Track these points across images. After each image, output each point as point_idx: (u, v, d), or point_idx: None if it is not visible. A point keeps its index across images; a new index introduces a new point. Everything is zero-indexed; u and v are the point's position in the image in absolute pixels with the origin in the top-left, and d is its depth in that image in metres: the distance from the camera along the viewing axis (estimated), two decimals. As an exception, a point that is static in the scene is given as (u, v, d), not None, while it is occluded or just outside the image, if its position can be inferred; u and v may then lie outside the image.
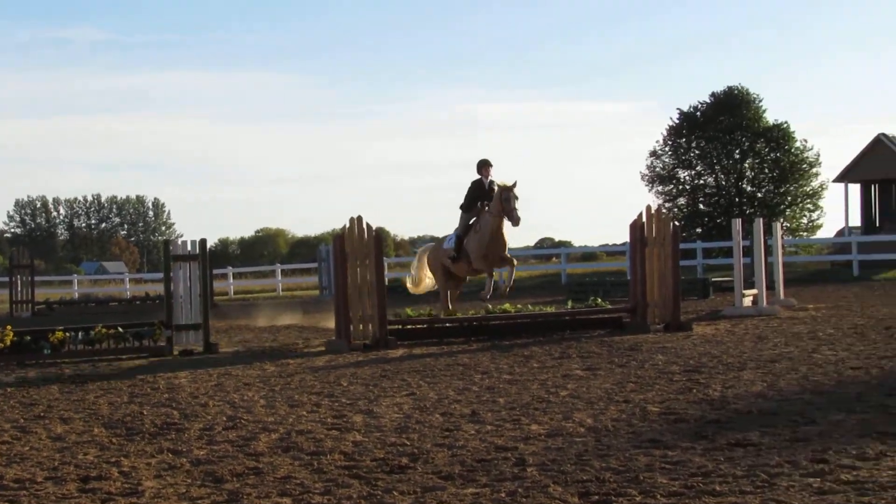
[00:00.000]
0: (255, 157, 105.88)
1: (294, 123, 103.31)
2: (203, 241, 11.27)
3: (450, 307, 12.54)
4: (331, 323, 11.61)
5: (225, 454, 5.16)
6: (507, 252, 11.81)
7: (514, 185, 11.21)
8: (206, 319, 11.16)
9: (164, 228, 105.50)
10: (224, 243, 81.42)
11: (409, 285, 13.75)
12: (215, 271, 27.79)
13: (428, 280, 13.21)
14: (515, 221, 11.22)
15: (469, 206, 11.89)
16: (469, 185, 11.99)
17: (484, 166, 11.89)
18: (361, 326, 10.87)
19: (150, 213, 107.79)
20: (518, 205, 11.12)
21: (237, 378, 8.69)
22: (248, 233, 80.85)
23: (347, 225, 11.03)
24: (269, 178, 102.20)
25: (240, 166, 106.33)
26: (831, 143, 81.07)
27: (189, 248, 11.26)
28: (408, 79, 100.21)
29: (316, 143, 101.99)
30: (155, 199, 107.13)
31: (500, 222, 11.39)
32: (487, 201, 11.63)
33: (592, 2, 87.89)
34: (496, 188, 11.38)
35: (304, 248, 44.42)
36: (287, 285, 31.99)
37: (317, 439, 5.52)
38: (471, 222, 11.82)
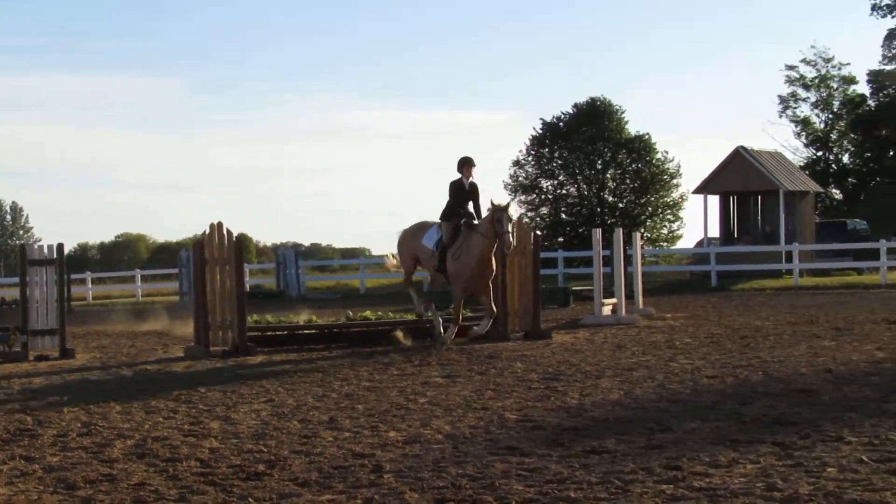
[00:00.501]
0: (117, 162, 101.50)
1: (157, 128, 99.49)
2: (60, 246, 11.18)
3: (415, 295, 11.70)
4: (190, 329, 11.33)
5: (79, 461, 5.07)
6: (492, 277, 10.43)
7: (508, 205, 10.26)
8: (62, 325, 10.99)
9: (21, 233, 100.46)
10: (83, 248, 78.30)
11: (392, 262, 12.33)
12: (73, 276, 26.69)
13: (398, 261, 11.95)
14: (507, 247, 9.98)
15: (451, 212, 10.47)
16: (449, 186, 10.69)
17: (465, 165, 10.61)
18: (221, 333, 10.66)
19: (8, 217, 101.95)
20: (510, 227, 9.96)
21: (93, 384, 8.62)
22: (108, 238, 77.89)
23: (207, 231, 10.82)
24: (130, 183, 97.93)
25: (101, 171, 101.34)
26: (692, 156, 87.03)
27: (46, 252, 11.16)
28: (273, 85, 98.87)
29: (178, 148, 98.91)
30: (13, 202, 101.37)
31: (490, 245, 9.98)
32: (471, 201, 10.47)
33: (460, 10, 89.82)
34: (491, 204, 10.13)
35: (166, 254, 45.41)
36: (147, 291, 31.28)
37: (172, 446, 5.45)
38: (457, 233, 10.32)
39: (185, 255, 23.83)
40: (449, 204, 10.55)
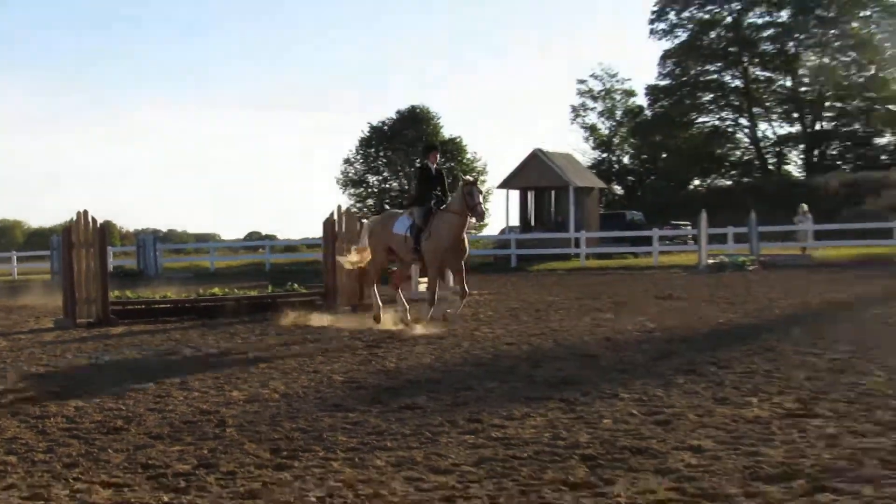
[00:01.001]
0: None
1: (27, 125, 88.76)
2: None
3: (377, 294, 10.76)
4: (60, 303, 12.35)
5: (-45, 419, 5.48)
6: (465, 257, 10.30)
7: (476, 179, 10.23)
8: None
9: None
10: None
11: (350, 258, 11.32)
12: (-47, 257, 28.41)
13: (362, 256, 11.03)
14: (480, 216, 9.84)
15: (421, 197, 10.26)
16: (416, 173, 10.88)
17: (430, 151, 10.67)
18: (86, 307, 11.80)
19: None
20: (481, 199, 9.86)
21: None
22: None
23: (75, 218, 11.98)
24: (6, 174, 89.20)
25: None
26: (497, 155, 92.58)
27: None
28: (116, 89, 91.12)
29: (48, 143, 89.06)
30: None
31: (462, 222, 9.82)
32: (438, 186, 10.28)
33: (298, 21, 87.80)
34: (460, 182, 10.13)
35: (40, 238, 46.95)
36: (22, 270, 33.25)
37: (42, 405, 5.97)
38: (429, 216, 10.05)
39: (55, 240, 25.44)
40: (418, 189, 10.49)
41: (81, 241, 11.75)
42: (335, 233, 13.11)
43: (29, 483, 4.00)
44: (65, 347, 9.39)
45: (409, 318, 10.21)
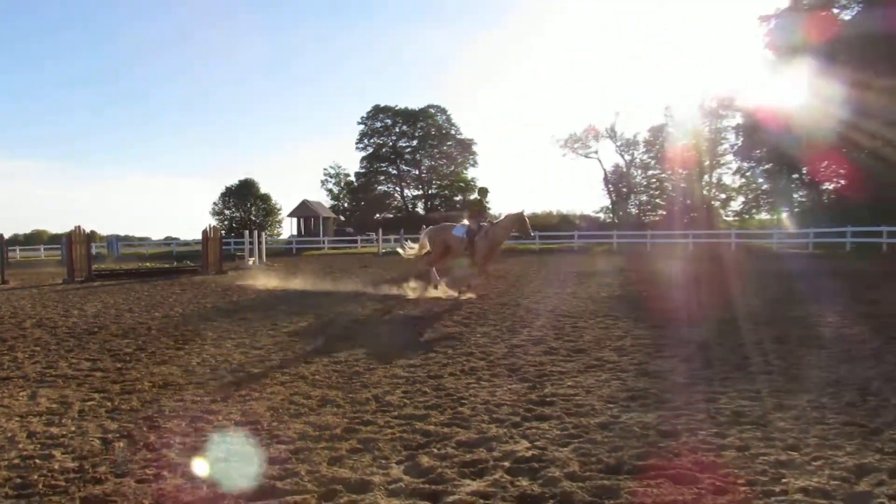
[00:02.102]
0: None
1: None
2: None
3: (435, 274, 14.98)
4: (65, 272, 22.27)
5: None
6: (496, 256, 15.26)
7: (523, 211, 14.66)
8: None
9: None
10: None
11: (407, 252, 15.90)
12: None
13: (420, 250, 15.57)
14: (529, 237, 16.98)
15: (474, 217, 14.81)
16: (473, 202, 15.61)
17: (485, 193, 15.82)
18: (79, 273, 22.17)
19: None
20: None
21: None
22: None
23: (73, 229, 22.80)
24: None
25: None
26: (284, 195, 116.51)
27: None
28: None
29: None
30: None
31: (506, 235, 14.68)
32: (480, 214, 14.89)
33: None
34: (517, 211, 14.56)
35: (55, 238, 62.15)
36: (46, 256, 49.59)
37: (53, 321, 11.68)
38: (479, 226, 14.51)
39: (64, 240, 30.66)
40: (473, 212, 15.06)
41: (77, 240, 22.85)
42: (207, 237, 25.74)
43: (46, 360, 8.22)
44: (67, 292, 17.68)
45: (459, 289, 14.36)
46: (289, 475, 4.38)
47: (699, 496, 3.91)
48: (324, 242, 49.87)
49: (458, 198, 73.32)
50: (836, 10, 36.02)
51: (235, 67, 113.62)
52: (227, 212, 68.92)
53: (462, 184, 73.26)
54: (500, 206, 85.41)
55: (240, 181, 68.61)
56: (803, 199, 44.14)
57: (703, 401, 5.81)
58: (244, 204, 67.74)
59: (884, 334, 8.72)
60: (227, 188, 68.57)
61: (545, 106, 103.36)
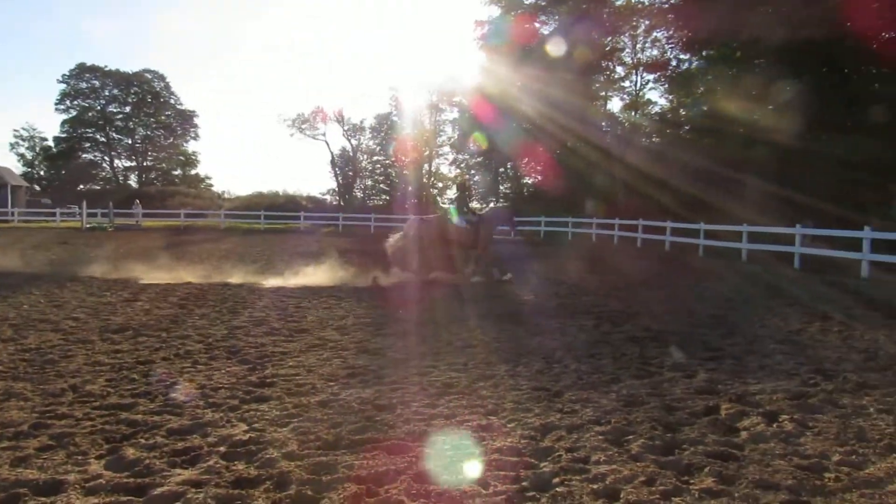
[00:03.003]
0: None
1: None
2: None
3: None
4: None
5: None
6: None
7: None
8: None
9: None
10: None
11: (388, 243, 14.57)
12: None
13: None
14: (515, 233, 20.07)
15: (463, 205, 14.64)
16: (461, 194, 15.75)
17: (468, 187, 17.05)
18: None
19: None
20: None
21: None
22: None
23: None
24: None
25: None
26: None
27: None
28: None
29: None
30: None
31: (495, 229, 15.20)
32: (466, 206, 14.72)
33: None
34: (493, 207, 15.80)
35: None
36: None
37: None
38: (476, 218, 14.30)
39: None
40: (461, 199, 15.04)
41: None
42: None
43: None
44: None
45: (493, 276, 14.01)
46: (-44, 483, 3.74)
47: (410, 464, 4.13)
48: (13, 214, 44.17)
49: (178, 172, 68.70)
50: (537, 23, 40.24)
51: None
52: None
53: (182, 157, 68.56)
54: (226, 184, 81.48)
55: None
56: (507, 191, 48.95)
57: (417, 374, 6.15)
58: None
59: (567, 311, 10.01)
60: None
61: (274, 84, 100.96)
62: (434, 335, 8.01)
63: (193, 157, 66.84)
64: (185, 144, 69.45)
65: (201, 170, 72.78)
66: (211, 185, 68.06)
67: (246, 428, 4.70)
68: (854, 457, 4.25)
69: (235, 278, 13.52)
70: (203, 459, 4.17)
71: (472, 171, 52.31)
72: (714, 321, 9.04)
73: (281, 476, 3.95)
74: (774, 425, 4.79)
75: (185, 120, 69.29)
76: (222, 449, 4.32)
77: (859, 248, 15.22)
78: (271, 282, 13.11)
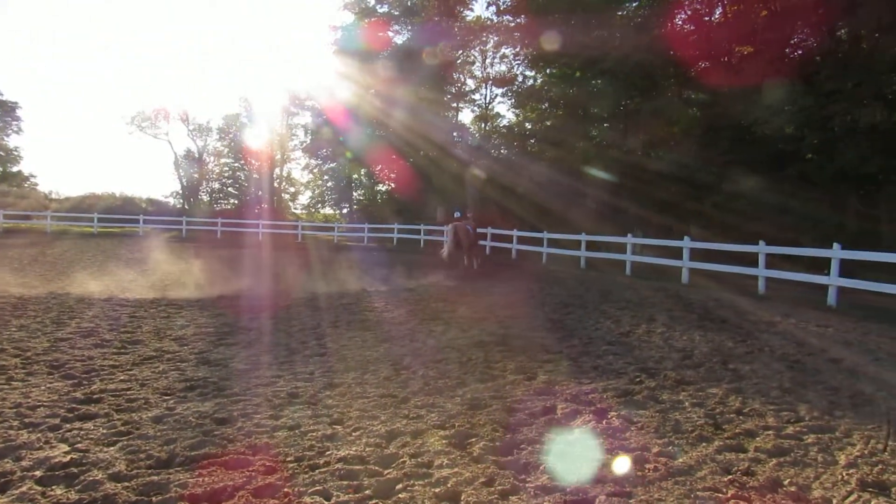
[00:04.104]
0: None
1: None
2: None
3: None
4: None
5: None
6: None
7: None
8: None
9: None
10: None
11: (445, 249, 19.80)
12: None
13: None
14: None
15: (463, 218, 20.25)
16: (461, 210, 21.47)
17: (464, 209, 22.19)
18: None
19: None
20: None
21: None
22: None
23: None
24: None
25: None
26: None
27: None
28: None
29: None
30: None
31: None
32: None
33: None
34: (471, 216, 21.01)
35: None
36: None
37: None
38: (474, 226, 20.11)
39: None
40: (464, 216, 20.65)
41: None
42: None
43: None
44: None
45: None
46: None
47: (250, 478, 3.99)
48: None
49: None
50: (391, 32, 40.56)
51: None
52: None
53: (1, 153, 62.29)
54: (55, 183, 74.74)
55: None
56: (360, 197, 48.78)
57: (261, 385, 5.96)
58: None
59: (416, 317, 10.12)
60: None
61: (113, 79, 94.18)
62: (281, 344, 7.81)
63: (15, 154, 60.87)
64: (5, 139, 63.14)
65: (25, 167, 66.37)
66: (36, 185, 62.20)
67: (67, 449, 4.33)
68: (671, 448, 4.62)
69: (61, 286, 12.45)
70: (14, 486, 3.79)
71: (325, 178, 51.67)
72: (553, 325, 9.50)
73: (105, 499, 3.67)
74: (604, 422, 5.11)
75: (6, 112, 63.07)
76: (38, 473, 3.95)
77: (681, 255, 16.63)
78: (103, 290, 12.19)
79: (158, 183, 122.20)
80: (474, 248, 19.86)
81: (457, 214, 23.98)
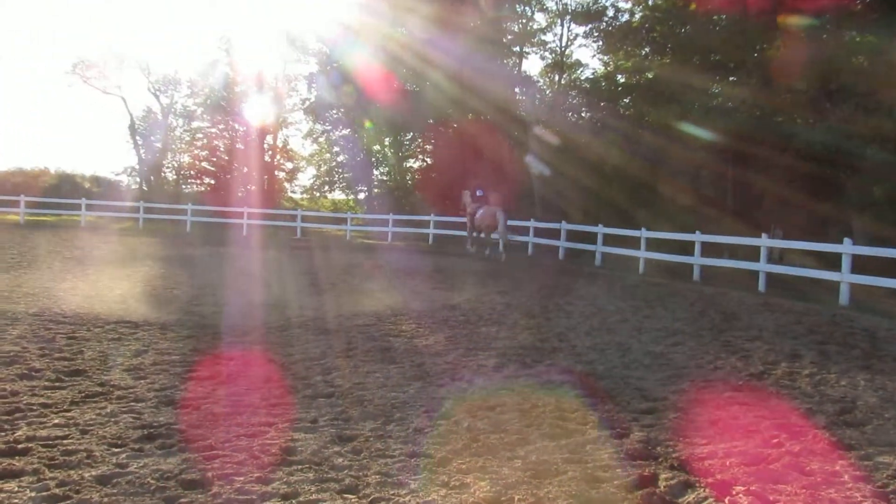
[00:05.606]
0: None
1: None
2: None
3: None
4: None
5: None
6: None
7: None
8: None
9: None
10: None
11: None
12: None
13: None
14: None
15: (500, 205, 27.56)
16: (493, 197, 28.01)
17: (485, 188, 28.67)
18: None
19: None
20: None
21: None
22: None
23: None
24: None
25: None
26: None
27: None
28: None
29: None
30: None
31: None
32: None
33: None
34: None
35: None
36: None
37: None
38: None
39: None
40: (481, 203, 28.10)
41: None
42: None
43: None
44: None
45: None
46: None
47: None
48: None
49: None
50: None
51: None
52: None
53: None
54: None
55: None
56: (384, 177, 48.70)
57: (244, 436, 6.05)
58: None
59: (459, 345, 10.15)
60: None
61: (49, 13, 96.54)
62: (271, 378, 7.91)
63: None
64: None
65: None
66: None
67: (-19, 519, 4.46)
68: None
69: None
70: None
71: (335, 150, 51.88)
72: (654, 360, 9.47)
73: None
74: (726, 499, 5.06)
75: None
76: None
77: (839, 266, 16.41)
78: (31, 301, 12.52)
79: (108, 156, 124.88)
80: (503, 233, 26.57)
81: (479, 193, 28.08)
